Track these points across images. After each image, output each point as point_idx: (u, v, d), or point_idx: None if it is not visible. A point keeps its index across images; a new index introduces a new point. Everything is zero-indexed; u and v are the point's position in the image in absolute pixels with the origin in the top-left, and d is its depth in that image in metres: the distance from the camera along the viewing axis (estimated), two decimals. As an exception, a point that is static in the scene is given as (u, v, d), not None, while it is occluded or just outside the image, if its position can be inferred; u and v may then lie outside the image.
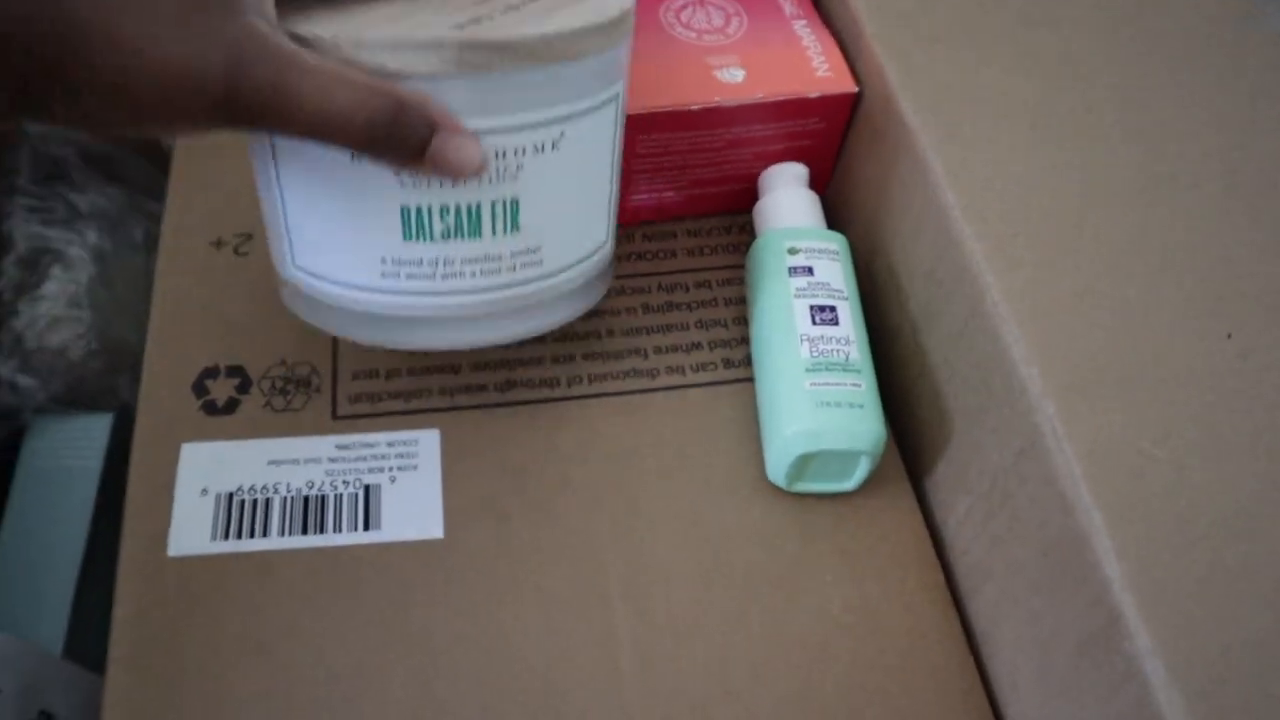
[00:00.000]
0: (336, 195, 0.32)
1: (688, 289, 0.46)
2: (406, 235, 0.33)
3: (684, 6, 0.45)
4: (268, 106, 0.27)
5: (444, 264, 0.33)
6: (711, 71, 0.43)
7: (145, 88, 0.26)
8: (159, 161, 0.56)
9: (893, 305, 0.43)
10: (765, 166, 0.46)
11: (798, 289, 0.40)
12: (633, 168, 0.44)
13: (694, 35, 0.44)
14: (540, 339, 0.43)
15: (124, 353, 0.50)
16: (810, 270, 0.40)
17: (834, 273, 0.41)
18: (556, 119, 0.32)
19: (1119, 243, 0.36)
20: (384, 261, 0.33)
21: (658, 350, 0.43)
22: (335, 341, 0.42)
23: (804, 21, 0.46)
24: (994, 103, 0.41)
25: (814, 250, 0.41)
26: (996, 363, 0.35)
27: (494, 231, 0.33)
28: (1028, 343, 0.34)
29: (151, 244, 0.53)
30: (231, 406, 0.41)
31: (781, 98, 0.43)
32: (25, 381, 0.48)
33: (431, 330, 0.36)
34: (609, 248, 0.39)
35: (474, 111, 0.31)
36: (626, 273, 0.46)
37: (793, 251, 0.41)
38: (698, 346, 0.44)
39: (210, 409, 0.40)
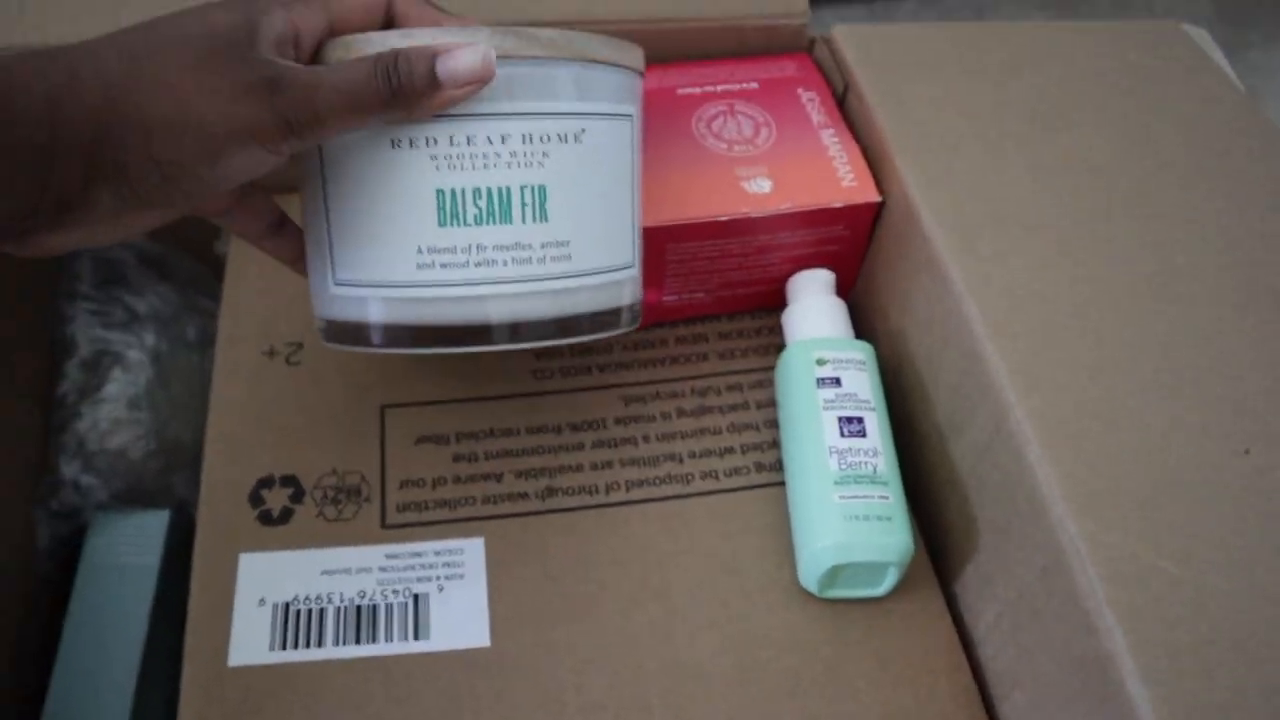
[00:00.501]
0: (376, 186, 0.35)
1: (720, 392, 0.47)
2: (441, 221, 0.35)
3: (715, 116, 0.47)
4: (305, 109, 0.31)
5: (477, 250, 0.35)
6: (740, 182, 0.45)
7: (206, 147, 0.31)
8: (207, 260, 0.59)
9: (920, 412, 0.44)
10: (793, 268, 0.48)
11: (826, 401, 0.41)
12: (664, 271, 0.46)
13: (724, 146, 0.46)
14: (579, 445, 0.45)
15: (179, 451, 0.53)
16: (838, 381, 0.42)
17: (861, 383, 0.42)
18: (577, 113, 0.35)
19: (1137, 358, 0.38)
20: (420, 251, 0.35)
21: (692, 455, 0.45)
22: (383, 450, 0.44)
23: (831, 131, 0.48)
24: (1013, 213, 0.42)
25: (841, 361, 0.43)
26: (1020, 480, 0.36)
27: (524, 218, 0.35)
28: (1050, 462, 0.35)
29: (203, 341, 0.56)
30: (286, 516, 0.42)
31: (807, 208, 0.45)
32: (88, 481, 0.51)
33: (466, 337, 0.37)
34: (636, 274, 0.40)
35: (503, 96, 0.34)
36: (661, 377, 0.48)
37: (820, 362, 0.43)
38: (731, 451, 0.45)
39: (266, 519, 0.42)
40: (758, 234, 0.45)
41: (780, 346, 0.48)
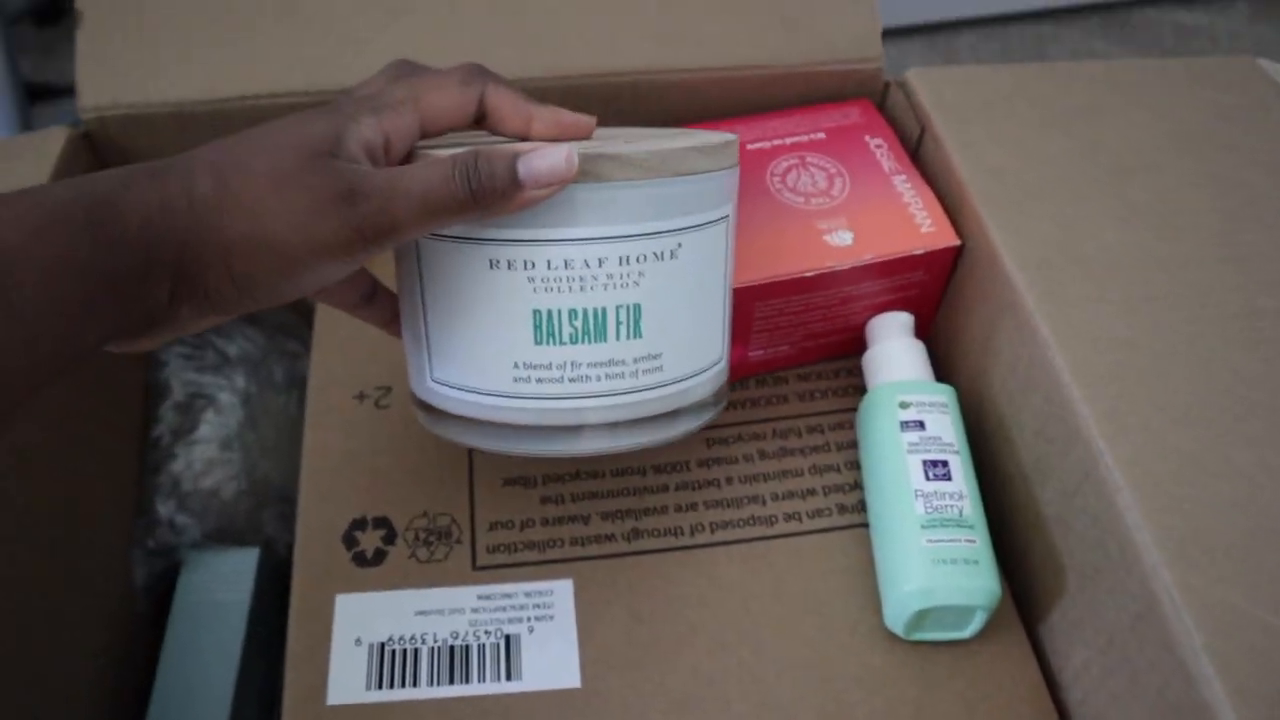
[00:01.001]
0: (474, 304, 0.36)
1: (801, 434, 0.48)
2: (538, 339, 0.36)
3: (788, 170, 0.48)
4: (382, 218, 0.31)
5: (571, 367, 0.36)
6: (821, 236, 0.46)
7: (284, 264, 0.31)
8: (296, 305, 0.61)
9: (1003, 455, 0.44)
10: (873, 314, 0.48)
11: (910, 444, 0.42)
12: (751, 329, 0.46)
13: (801, 199, 0.47)
14: (664, 487, 0.46)
15: (268, 490, 0.54)
16: (921, 424, 0.42)
17: (945, 426, 0.42)
18: (674, 230, 0.36)
19: (1226, 403, 0.38)
20: (516, 366, 0.36)
21: (775, 497, 0.46)
22: (472, 492, 0.45)
23: (903, 176, 0.48)
24: (1096, 258, 0.43)
25: (924, 404, 0.43)
26: (1111, 526, 0.36)
27: (618, 336, 0.36)
28: (1142, 509, 0.35)
29: (290, 383, 0.57)
30: (379, 558, 0.44)
31: (889, 257, 0.45)
32: (182, 520, 0.52)
33: (559, 438, 0.38)
34: (724, 366, 0.41)
35: (599, 220, 0.35)
36: (742, 419, 0.48)
37: (904, 405, 0.43)
38: (813, 492, 0.46)
39: (360, 560, 0.44)
40: (842, 285, 0.46)
41: (859, 388, 0.49)
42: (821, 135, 0.50)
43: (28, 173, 0.45)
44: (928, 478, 0.41)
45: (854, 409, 0.48)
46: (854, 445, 0.47)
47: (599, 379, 0.37)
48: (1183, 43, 1.15)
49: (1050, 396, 0.40)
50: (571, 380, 0.36)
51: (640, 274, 0.36)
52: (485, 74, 0.36)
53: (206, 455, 0.53)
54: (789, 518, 0.45)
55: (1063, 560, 0.40)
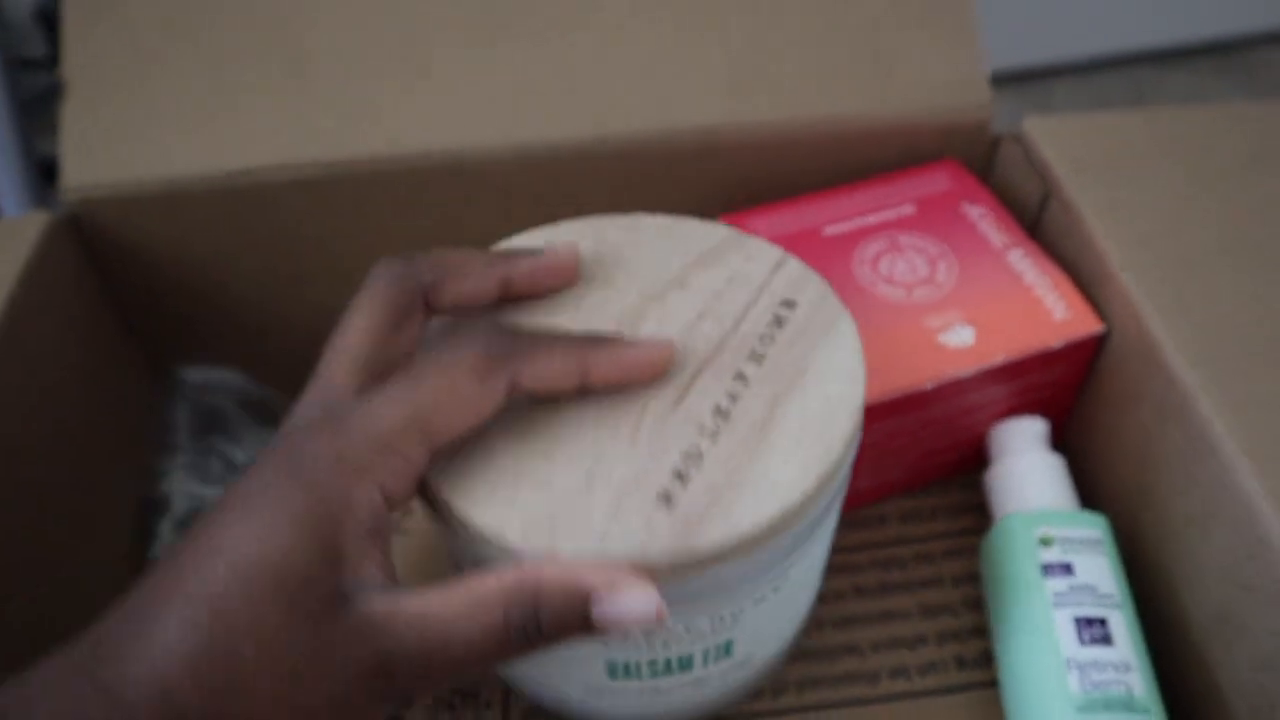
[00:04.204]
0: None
1: (905, 565, 0.39)
2: (613, 676, 0.30)
3: (878, 256, 0.39)
4: (426, 677, 0.23)
5: (652, 693, 0.31)
6: (935, 336, 0.37)
7: None
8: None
9: (1171, 606, 0.35)
10: (993, 425, 0.39)
11: (1056, 594, 0.33)
12: (859, 461, 0.38)
13: (902, 292, 0.38)
14: (738, 637, 0.37)
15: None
16: (1069, 568, 0.33)
17: (1101, 571, 0.33)
18: (775, 577, 0.28)
19: None
20: (588, 690, 0.31)
21: (876, 647, 0.37)
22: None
23: (1019, 251, 0.39)
24: (1283, 348, 0.33)
25: (1072, 540, 0.34)
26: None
27: (706, 663, 0.30)
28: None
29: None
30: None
31: (1024, 355, 0.36)
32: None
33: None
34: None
35: (689, 598, 0.27)
36: (833, 546, 0.40)
37: (1045, 543, 0.34)
38: (923, 640, 0.37)
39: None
40: (965, 394, 0.37)
41: (975, 506, 0.40)
42: (910, 209, 0.41)
43: (-7, 268, 0.39)
44: (1082, 641, 0.32)
45: (971, 531, 0.40)
46: (973, 579, 0.38)
47: (679, 689, 0.31)
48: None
49: (1239, 528, 0.31)
50: (652, 693, 0.31)
51: (735, 617, 0.29)
52: (510, 354, 0.26)
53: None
54: (895, 674, 0.36)
55: (1267, 754, 0.31)
